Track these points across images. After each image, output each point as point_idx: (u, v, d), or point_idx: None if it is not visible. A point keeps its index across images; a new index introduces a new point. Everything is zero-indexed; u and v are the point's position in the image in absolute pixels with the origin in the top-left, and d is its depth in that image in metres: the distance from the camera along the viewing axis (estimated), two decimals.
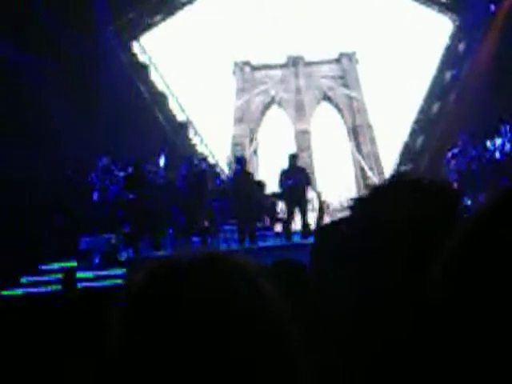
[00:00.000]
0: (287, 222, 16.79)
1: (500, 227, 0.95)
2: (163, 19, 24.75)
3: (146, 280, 1.15)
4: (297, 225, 17.11)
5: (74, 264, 15.25)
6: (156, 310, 1.10)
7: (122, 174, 17.46)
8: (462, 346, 0.93)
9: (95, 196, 17.40)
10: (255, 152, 28.58)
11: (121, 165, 17.90)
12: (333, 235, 2.18)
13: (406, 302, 1.40)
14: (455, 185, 18.18)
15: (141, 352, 1.08)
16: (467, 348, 0.93)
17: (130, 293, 1.15)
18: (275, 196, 18.17)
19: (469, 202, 17.45)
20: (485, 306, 0.91)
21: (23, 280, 14.98)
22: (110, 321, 1.14)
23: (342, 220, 2.33)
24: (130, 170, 17.04)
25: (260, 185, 18.50)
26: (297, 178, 16.48)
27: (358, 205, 1.58)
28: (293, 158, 17.02)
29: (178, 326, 1.07)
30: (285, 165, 16.96)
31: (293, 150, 18.09)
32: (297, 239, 16.37)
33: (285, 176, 16.62)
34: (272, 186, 18.12)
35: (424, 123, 24.69)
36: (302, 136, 29.89)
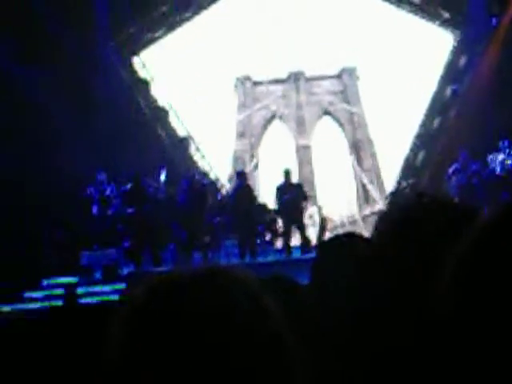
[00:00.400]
0: (285, 238, 16.79)
1: (505, 235, 0.96)
2: (164, 34, 24.80)
3: (147, 295, 1.15)
4: (297, 240, 17.12)
5: (76, 280, 15.24)
6: (156, 325, 1.09)
7: (122, 188, 17.45)
8: (473, 351, 0.94)
9: (95, 210, 17.39)
10: (256, 167, 28.60)
11: (120, 179, 17.89)
12: (334, 250, 2.19)
13: (406, 308, 1.40)
14: (456, 199, 18.18)
15: (141, 367, 1.08)
16: (477, 353, 0.93)
17: (131, 308, 1.15)
18: (272, 212, 18.17)
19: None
20: (495, 313, 0.92)
21: (25, 295, 14.96)
22: (110, 336, 1.14)
23: (344, 235, 2.34)
24: (130, 185, 17.03)
25: (262, 206, 18.50)
26: (292, 194, 16.50)
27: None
28: (287, 173, 17.02)
29: (179, 341, 1.07)
30: (280, 181, 16.99)
31: (288, 165, 18.06)
32: (297, 254, 16.35)
33: (280, 192, 16.65)
34: (270, 201, 18.13)
35: (425, 138, 24.70)
36: (303, 151, 29.93)
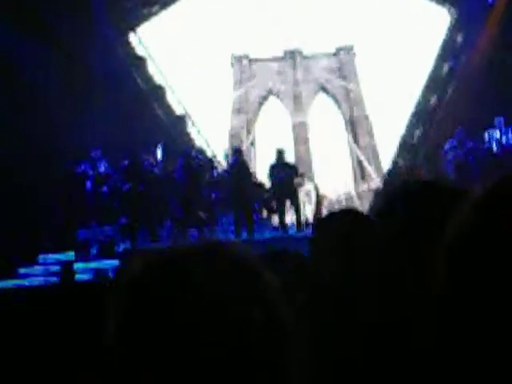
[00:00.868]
0: (280, 215, 16.81)
1: (501, 212, 0.94)
2: (160, 10, 24.67)
3: (144, 270, 1.16)
4: (293, 217, 17.14)
5: (72, 256, 15.27)
6: (153, 300, 1.10)
7: (119, 164, 17.43)
8: (472, 337, 0.93)
9: (88, 186, 17.39)
10: (252, 143, 28.58)
11: (114, 156, 17.86)
12: (330, 226, 2.20)
13: (398, 288, 1.40)
14: (451, 177, 18.22)
15: (138, 342, 1.09)
16: (476, 339, 0.92)
17: (128, 283, 1.15)
18: (268, 189, 18.19)
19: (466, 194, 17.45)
20: (491, 296, 0.90)
21: (21, 271, 14.98)
22: (107, 311, 1.15)
23: (340, 212, 2.35)
24: (127, 161, 17.02)
25: (258, 183, 18.51)
26: (286, 173, 16.51)
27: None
28: (280, 153, 17.02)
29: (174, 317, 1.07)
30: (273, 159, 17.00)
31: (282, 144, 18.08)
32: (292, 232, 16.39)
33: (273, 170, 16.67)
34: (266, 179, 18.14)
35: (421, 115, 24.68)
36: (300, 128, 29.89)
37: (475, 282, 0.92)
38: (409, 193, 1.55)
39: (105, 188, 17.30)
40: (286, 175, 16.51)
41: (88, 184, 17.37)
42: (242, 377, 1.07)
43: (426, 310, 1.08)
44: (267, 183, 17.66)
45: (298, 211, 16.67)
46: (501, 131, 17.75)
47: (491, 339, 0.90)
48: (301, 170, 18.50)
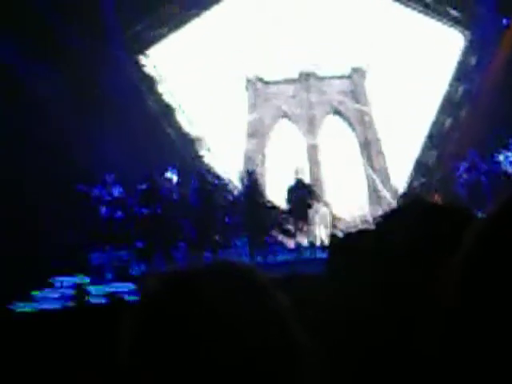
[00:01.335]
0: (295, 237, 16.82)
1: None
2: (171, 31, 24.79)
3: (159, 288, 1.17)
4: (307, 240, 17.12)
5: (87, 280, 15.28)
6: (167, 317, 1.11)
7: (137, 187, 17.44)
8: (484, 349, 0.92)
9: (103, 211, 17.41)
10: (266, 167, 28.59)
11: (128, 181, 17.88)
12: (346, 248, 2.19)
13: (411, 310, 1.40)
14: (464, 199, 18.17)
15: (153, 357, 1.09)
16: (487, 350, 0.91)
17: (143, 302, 1.16)
18: (282, 212, 18.21)
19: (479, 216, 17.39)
20: (505, 308, 0.90)
21: (35, 293, 15.00)
22: (121, 331, 1.15)
23: (356, 233, 2.34)
24: (145, 185, 17.05)
25: (272, 206, 18.53)
26: (303, 193, 16.54)
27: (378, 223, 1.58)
28: (298, 173, 17.07)
29: (188, 333, 1.08)
30: (291, 180, 17.05)
31: (299, 165, 18.12)
32: (307, 254, 16.35)
33: (291, 191, 16.70)
34: (280, 201, 18.16)
35: (436, 138, 24.64)
36: (313, 151, 29.89)
37: (490, 297, 0.92)
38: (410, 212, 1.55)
39: (119, 213, 17.33)
40: (304, 195, 16.54)
41: (103, 209, 17.39)
42: None
43: (433, 323, 1.08)
44: (283, 204, 17.68)
45: (313, 231, 16.69)
46: None
47: (497, 353, 0.89)
48: (316, 191, 18.52)
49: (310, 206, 16.76)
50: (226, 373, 1.07)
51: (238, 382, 1.07)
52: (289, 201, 16.86)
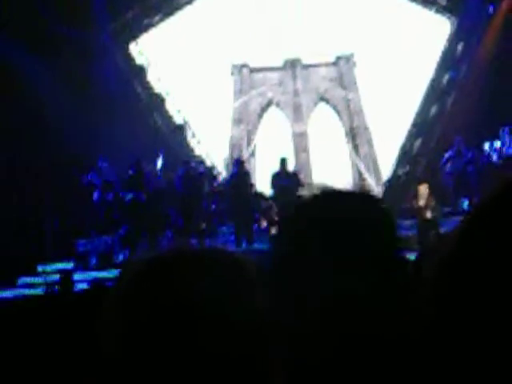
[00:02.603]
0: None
1: (498, 224, 0.92)
2: (161, 20, 24.73)
3: (139, 274, 1.15)
4: None
5: (71, 266, 15.27)
6: (147, 304, 1.09)
7: (123, 174, 17.44)
8: (461, 347, 0.91)
9: (96, 196, 17.38)
10: (253, 154, 28.60)
11: (119, 166, 17.89)
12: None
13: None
14: (450, 187, 18.23)
15: (135, 347, 1.08)
16: (466, 349, 0.91)
17: (123, 288, 1.14)
18: (268, 199, 18.22)
19: (465, 205, 17.46)
20: (486, 306, 0.89)
21: (20, 281, 14.99)
22: (102, 318, 1.14)
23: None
24: (131, 171, 17.01)
25: (258, 193, 18.54)
26: (288, 181, 16.56)
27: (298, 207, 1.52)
28: (283, 161, 17.08)
29: (169, 321, 1.07)
30: (276, 168, 17.06)
31: (284, 153, 18.14)
32: None
33: (276, 179, 16.72)
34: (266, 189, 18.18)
35: (421, 126, 24.68)
36: (300, 138, 29.93)
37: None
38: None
39: (110, 195, 17.31)
40: (289, 183, 16.55)
41: (95, 194, 17.38)
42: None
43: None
44: (268, 192, 17.70)
45: None
46: (503, 141, 17.78)
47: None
48: (302, 179, 18.52)
49: (294, 194, 16.75)
50: (211, 360, 1.06)
51: (224, 371, 1.06)
52: (273, 188, 16.88)
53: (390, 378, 1.23)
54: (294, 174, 17.38)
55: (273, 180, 16.82)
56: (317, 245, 1.33)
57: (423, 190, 15.29)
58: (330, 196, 1.46)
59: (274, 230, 17.98)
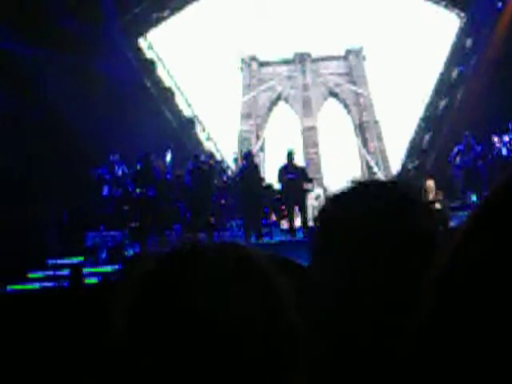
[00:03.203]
0: (289, 219, 16.78)
1: (505, 219, 0.91)
2: (170, 14, 24.72)
3: (155, 265, 1.15)
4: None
5: (81, 260, 15.30)
6: (164, 294, 1.10)
7: (132, 169, 17.44)
8: (462, 349, 0.89)
9: (105, 191, 17.42)
10: (262, 148, 28.56)
11: (130, 161, 17.89)
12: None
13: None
14: (459, 182, 18.17)
15: (149, 335, 1.09)
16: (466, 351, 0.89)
17: (140, 279, 1.15)
18: (274, 192, 18.17)
19: (474, 199, 17.43)
20: (490, 304, 0.87)
21: (30, 275, 15.02)
22: (111, 310, 1.14)
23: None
24: (139, 165, 17.01)
25: (267, 187, 18.49)
26: (295, 175, 16.50)
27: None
28: (290, 154, 17.01)
29: (183, 313, 1.07)
30: (284, 162, 17.00)
31: (292, 146, 18.05)
32: (300, 235, 16.34)
33: (283, 172, 16.66)
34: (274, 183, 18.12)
35: (431, 120, 24.63)
36: (309, 132, 29.87)
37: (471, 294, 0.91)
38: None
39: (118, 191, 17.34)
40: (296, 176, 16.50)
41: (105, 188, 17.41)
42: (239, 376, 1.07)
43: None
44: (276, 185, 17.65)
45: (304, 213, 16.59)
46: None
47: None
48: (310, 174, 18.48)
49: (302, 187, 16.71)
50: (222, 354, 1.06)
51: (234, 367, 1.07)
52: (280, 181, 16.82)
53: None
54: (301, 168, 17.32)
55: (279, 173, 16.76)
56: (355, 238, 1.35)
57: (431, 184, 15.26)
58: (366, 187, 1.47)
59: (283, 224, 17.97)
